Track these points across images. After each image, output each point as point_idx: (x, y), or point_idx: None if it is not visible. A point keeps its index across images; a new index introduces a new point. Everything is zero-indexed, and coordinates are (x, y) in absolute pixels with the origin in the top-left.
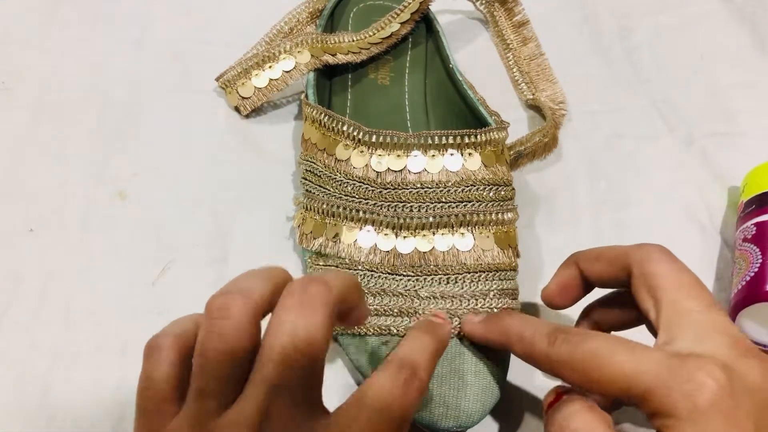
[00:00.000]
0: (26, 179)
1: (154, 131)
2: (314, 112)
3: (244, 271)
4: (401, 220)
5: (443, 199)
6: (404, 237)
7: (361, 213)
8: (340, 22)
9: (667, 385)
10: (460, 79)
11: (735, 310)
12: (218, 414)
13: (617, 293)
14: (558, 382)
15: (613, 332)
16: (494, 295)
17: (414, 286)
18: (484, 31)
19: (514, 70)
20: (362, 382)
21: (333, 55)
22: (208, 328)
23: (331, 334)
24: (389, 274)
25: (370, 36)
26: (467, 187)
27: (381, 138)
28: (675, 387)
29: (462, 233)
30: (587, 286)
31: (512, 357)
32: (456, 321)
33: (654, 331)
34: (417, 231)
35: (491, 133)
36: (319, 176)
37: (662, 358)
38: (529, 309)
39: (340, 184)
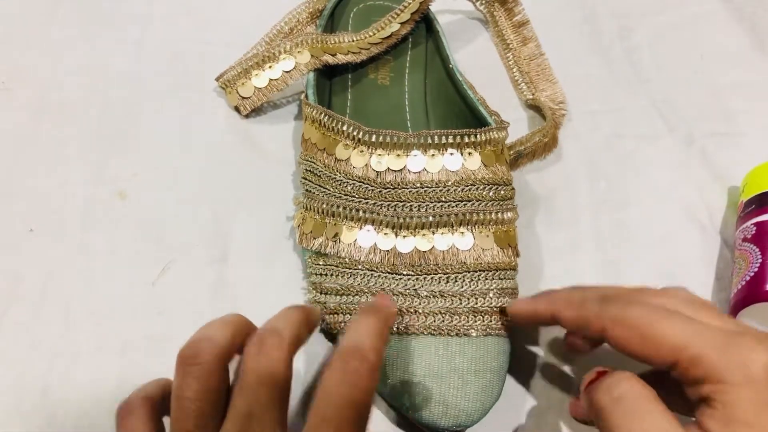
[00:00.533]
0: (26, 179)
1: (154, 131)
2: (314, 112)
3: (203, 324)
4: (401, 220)
5: (443, 199)
6: (404, 236)
7: (360, 212)
8: (340, 22)
9: (720, 352)
10: (460, 79)
11: (735, 310)
12: None
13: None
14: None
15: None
16: (494, 294)
17: (414, 286)
18: (484, 31)
19: (514, 70)
20: None
21: (333, 55)
22: (183, 374)
23: (291, 367)
24: (389, 273)
25: (370, 36)
26: (467, 186)
27: (381, 138)
28: (729, 354)
29: (462, 232)
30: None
31: (512, 357)
32: (455, 319)
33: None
34: (417, 230)
35: (491, 133)
36: (319, 176)
37: (717, 329)
38: None
39: (340, 184)
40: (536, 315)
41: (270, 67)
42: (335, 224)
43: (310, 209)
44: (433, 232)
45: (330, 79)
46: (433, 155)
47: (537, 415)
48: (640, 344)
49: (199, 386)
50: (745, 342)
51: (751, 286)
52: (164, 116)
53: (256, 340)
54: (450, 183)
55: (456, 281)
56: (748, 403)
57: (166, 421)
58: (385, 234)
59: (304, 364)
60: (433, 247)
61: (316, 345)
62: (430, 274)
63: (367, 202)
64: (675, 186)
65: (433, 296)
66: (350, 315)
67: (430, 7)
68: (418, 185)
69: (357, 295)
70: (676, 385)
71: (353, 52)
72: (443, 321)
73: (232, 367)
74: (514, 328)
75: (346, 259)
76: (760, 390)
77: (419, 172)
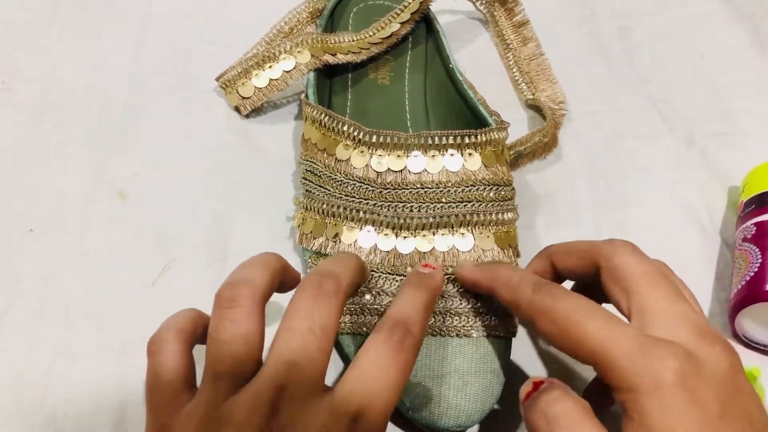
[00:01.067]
0: (26, 179)
1: (154, 131)
2: (314, 112)
3: (244, 261)
4: (401, 221)
5: (443, 200)
6: (404, 237)
7: (361, 213)
8: (340, 22)
9: (633, 360)
10: (460, 79)
11: (735, 310)
12: (234, 393)
13: (584, 284)
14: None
15: None
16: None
17: None
18: (484, 31)
19: (514, 70)
20: None
21: (333, 55)
22: (220, 316)
23: (340, 320)
24: (389, 274)
25: (370, 36)
26: (467, 187)
27: (381, 138)
28: (641, 362)
29: (462, 233)
30: (559, 278)
31: (512, 357)
32: (455, 319)
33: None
34: (417, 231)
35: (491, 133)
36: (320, 176)
37: (634, 335)
38: None
39: (340, 184)
40: (477, 285)
41: (270, 67)
42: (335, 225)
43: (311, 209)
44: (434, 233)
45: (330, 78)
46: (433, 156)
47: None
48: (562, 341)
49: (236, 329)
50: (657, 349)
51: (751, 286)
52: (164, 116)
53: (314, 280)
54: (450, 184)
55: (456, 282)
56: (659, 411)
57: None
58: (386, 235)
59: None
60: (433, 248)
61: None
62: None
63: (367, 203)
64: (675, 186)
65: None
66: (350, 316)
67: (430, 6)
68: (419, 186)
69: (357, 295)
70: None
71: (353, 52)
72: (443, 321)
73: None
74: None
75: None
76: (671, 397)
77: (420, 172)
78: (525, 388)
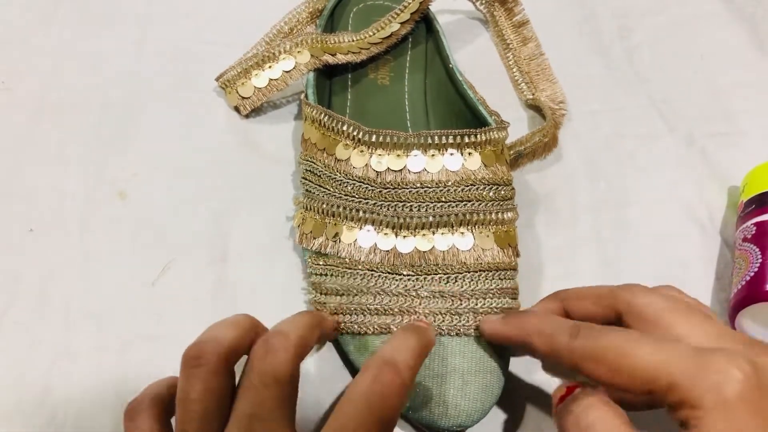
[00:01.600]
0: (26, 179)
1: (154, 131)
2: (314, 111)
3: (212, 324)
4: (401, 220)
5: (443, 199)
6: (404, 236)
7: (361, 213)
8: (340, 22)
9: (693, 376)
10: (460, 78)
11: (735, 310)
12: None
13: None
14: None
15: None
16: (494, 294)
17: (414, 286)
18: (484, 31)
19: (514, 69)
20: None
21: (333, 55)
22: (187, 375)
23: (297, 370)
24: (389, 273)
25: (370, 36)
26: (467, 186)
27: (381, 138)
28: (702, 378)
29: (462, 232)
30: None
31: (512, 357)
32: (455, 319)
33: None
34: (417, 230)
35: (491, 133)
36: (319, 176)
37: (688, 350)
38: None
39: (339, 184)
40: (508, 340)
41: (270, 67)
42: (335, 224)
43: (310, 209)
44: (434, 232)
45: (330, 78)
46: (433, 155)
47: (537, 415)
48: (615, 379)
49: (203, 387)
50: (715, 363)
51: (751, 286)
52: (164, 116)
53: (261, 342)
54: (450, 183)
55: (456, 281)
56: (723, 427)
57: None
58: (385, 234)
59: (316, 368)
60: (433, 247)
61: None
62: (431, 274)
63: (367, 202)
64: (675, 186)
65: (433, 296)
66: (350, 315)
67: (429, 6)
68: (418, 185)
69: (357, 295)
70: None
71: (353, 52)
72: (443, 321)
73: (239, 370)
74: None
75: (346, 260)
76: (734, 413)
77: (419, 172)
78: (558, 392)
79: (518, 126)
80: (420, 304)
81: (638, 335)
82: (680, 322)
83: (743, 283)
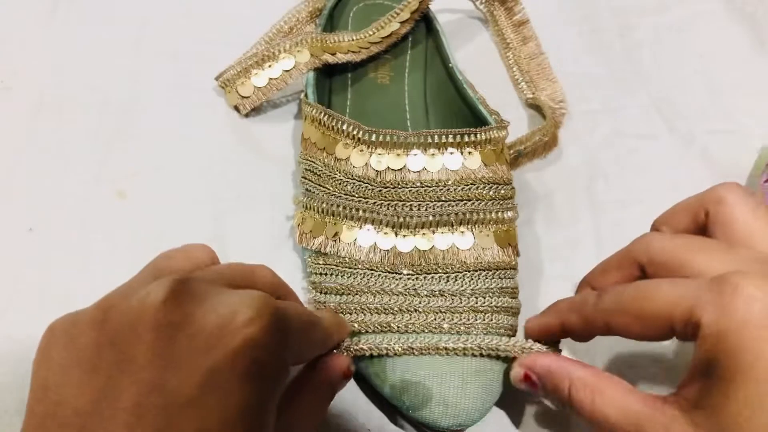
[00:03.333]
0: (26, 178)
1: (154, 130)
2: (314, 111)
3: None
4: (401, 219)
5: (443, 198)
6: (404, 236)
7: (360, 212)
8: (340, 21)
9: (709, 302)
10: (460, 78)
11: None
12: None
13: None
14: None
15: None
16: (494, 294)
17: (414, 285)
18: (484, 30)
19: (514, 69)
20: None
21: (333, 55)
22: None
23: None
24: (389, 272)
25: (370, 35)
26: (467, 185)
27: (381, 137)
28: (719, 303)
29: (462, 232)
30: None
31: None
32: (455, 318)
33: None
34: (417, 230)
35: (491, 132)
36: (319, 175)
37: (703, 280)
38: (530, 309)
39: (339, 183)
40: (549, 329)
41: (269, 66)
42: (335, 224)
43: (310, 208)
44: (433, 232)
45: (330, 78)
46: (433, 154)
47: (538, 415)
48: (640, 325)
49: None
50: (730, 286)
51: None
52: (164, 115)
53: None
54: (450, 182)
55: (456, 280)
56: (746, 348)
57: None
58: (385, 233)
59: None
60: (433, 246)
61: None
62: (430, 273)
63: (366, 202)
64: (675, 185)
65: (433, 295)
66: (350, 315)
67: (430, 6)
68: (418, 184)
69: (357, 294)
70: None
71: (353, 51)
72: (443, 320)
73: None
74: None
75: (346, 259)
76: (757, 333)
77: (419, 171)
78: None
79: (518, 125)
80: (420, 303)
81: (657, 281)
82: (698, 258)
83: None
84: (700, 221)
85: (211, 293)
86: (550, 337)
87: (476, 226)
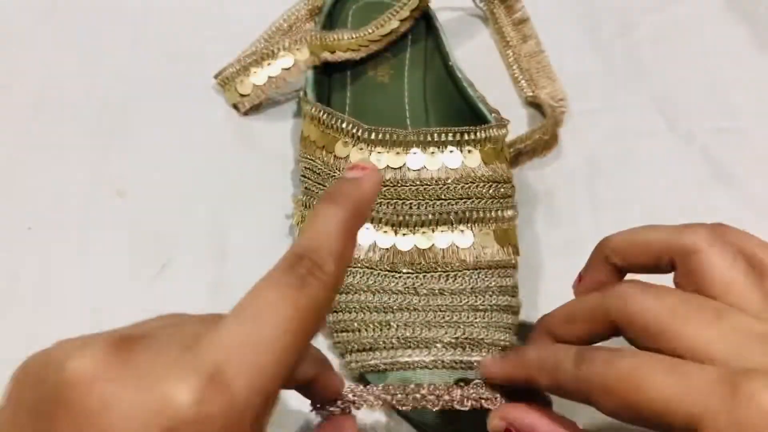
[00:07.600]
0: (25, 178)
1: (153, 129)
2: (313, 109)
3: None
4: (400, 218)
5: (443, 197)
6: (403, 234)
7: None
8: (340, 19)
9: (721, 411)
10: (460, 76)
11: None
12: None
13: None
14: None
15: None
16: (494, 292)
17: (413, 283)
18: (484, 28)
19: (514, 67)
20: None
21: (332, 53)
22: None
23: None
24: (388, 271)
25: (370, 33)
26: (467, 184)
27: (380, 135)
28: (731, 414)
29: (461, 230)
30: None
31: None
32: (455, 317)
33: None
34: (416, 228)
35: (491, 131)
36: (318, 174)
37: (711, 377)
38: (530, 307)
39: None
40: (509, 380)
41: (269, 64)
42: None
43: (309, 207)
44: (433, 230)
45: (329, 76)
46: (432, 153)
47: None
48: (628, 412)
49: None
50: (745, 394)
51: None
52: (163, 114)
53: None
54: (450, 181)
55: (456, 279)
56: None
57: None
58: (385, 232)
59: None
60: (432, 245)
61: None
62: (430, 272)
63: None
64: (676, 183)
65: (433, 294)
66: (350, 313)
67: (429, 4)
68: (418, 183)
69: (356, 293)
70: None
71: (352, 50)
72: (443, 319)
73: None
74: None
75: None
76: None
77: (419, 169)
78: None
79: (518, 124)
80: (419, 301)
81: (649, 360)
82: (686, 330)
83: None
84: (662, 264)
85: None
86: (506, 384)
87: (476, 224)
